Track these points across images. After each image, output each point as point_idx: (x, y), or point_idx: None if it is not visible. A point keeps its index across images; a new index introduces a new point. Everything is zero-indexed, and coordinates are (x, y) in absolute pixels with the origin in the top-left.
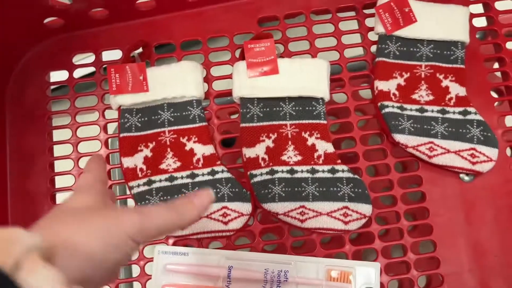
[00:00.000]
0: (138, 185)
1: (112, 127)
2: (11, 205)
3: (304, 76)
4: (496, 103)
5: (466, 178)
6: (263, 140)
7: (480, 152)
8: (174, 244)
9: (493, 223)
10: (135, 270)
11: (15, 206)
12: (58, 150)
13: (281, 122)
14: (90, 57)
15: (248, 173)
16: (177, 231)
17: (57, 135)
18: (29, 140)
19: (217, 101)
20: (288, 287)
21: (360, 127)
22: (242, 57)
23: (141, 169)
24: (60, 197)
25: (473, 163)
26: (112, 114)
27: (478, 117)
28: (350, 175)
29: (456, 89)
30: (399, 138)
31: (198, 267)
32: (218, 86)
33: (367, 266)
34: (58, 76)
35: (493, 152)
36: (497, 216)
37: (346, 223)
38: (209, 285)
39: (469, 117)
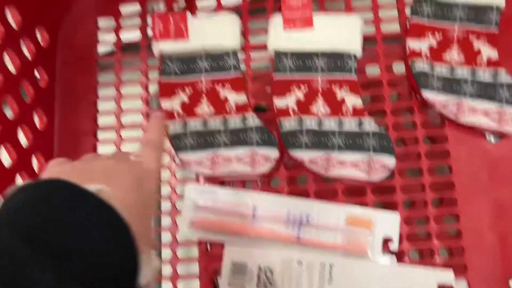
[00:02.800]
0: (174, 126)
1: (153, 74)
2: (58, 140)
3: (337, 32)
4: None
5: (492, 139)
6: (294, 91)
7: (508, 113)
8: (205, 183)
9: None
10: (167, 205)
11: (60, 142)
12: (101, 91)
13: (312, 75)
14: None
15: (277, 121)
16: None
17: (103, 77)
18: (76, 80)
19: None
20: (309, 229)
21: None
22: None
23: (177, 112)
24: (101, 135)
25: (500, 124)
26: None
27: (509, 79)
28: (377, 129)
29: (488, 52)
30: (428, 95)
31: (225, 205)
32: (254, 41)
33: (387, 215)
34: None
35: None
36: None
37: (369, 174)
38: (235, 221)
39: (499, 79)
